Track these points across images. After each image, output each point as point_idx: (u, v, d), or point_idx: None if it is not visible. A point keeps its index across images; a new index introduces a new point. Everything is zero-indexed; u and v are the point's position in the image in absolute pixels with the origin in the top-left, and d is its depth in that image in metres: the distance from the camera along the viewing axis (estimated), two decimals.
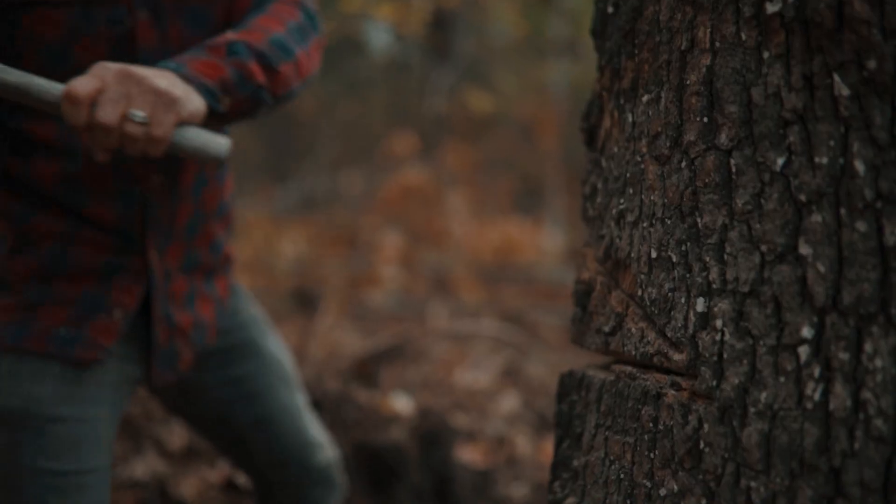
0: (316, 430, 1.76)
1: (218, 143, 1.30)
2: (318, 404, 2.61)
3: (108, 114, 1.20)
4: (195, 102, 1.27)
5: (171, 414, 1.77)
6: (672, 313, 1.06)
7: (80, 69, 1.31)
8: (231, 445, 1.73)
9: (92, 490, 1.42)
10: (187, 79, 1.29)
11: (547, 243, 7.47)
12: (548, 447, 3.08)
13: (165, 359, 1.54)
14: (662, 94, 1.10)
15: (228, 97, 1.36)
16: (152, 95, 1.22)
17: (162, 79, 1.24)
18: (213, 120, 1.36)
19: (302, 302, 4.78)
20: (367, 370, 3.40)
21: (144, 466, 2.35)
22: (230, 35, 1.39)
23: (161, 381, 1.55)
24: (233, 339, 1.68)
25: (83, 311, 1.44)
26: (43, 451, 1.38)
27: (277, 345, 1.76)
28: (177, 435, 2.47)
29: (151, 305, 1.50)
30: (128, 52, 1.38)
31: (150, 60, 1.40)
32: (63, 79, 1.29)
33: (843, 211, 0.93)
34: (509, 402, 3.56)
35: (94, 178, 1.42)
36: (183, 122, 1.26)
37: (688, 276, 1.05)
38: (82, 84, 1.20)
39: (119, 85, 1.21)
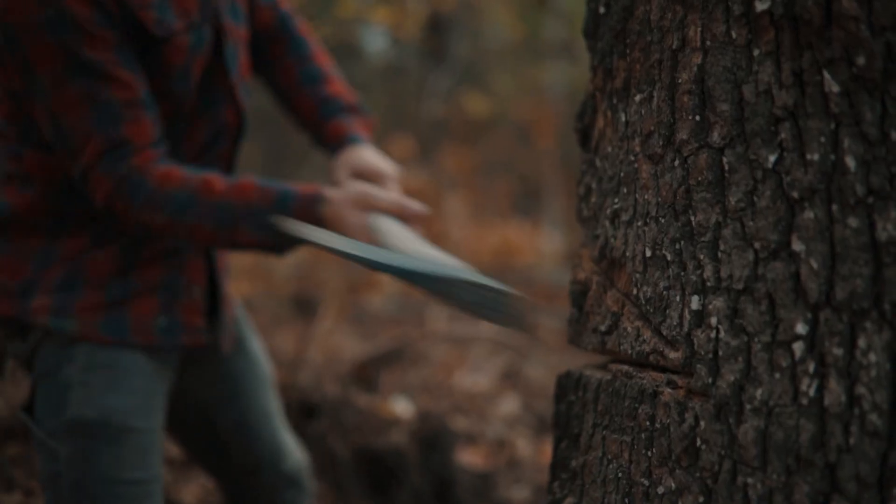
0: (287, 435, 1.76)
1: None
2: (317, 408, 2.61)
3: None
4: None
5: None
6: (667, 311, 1.06)
7: (193, 85, 1.45)
8: (207, 448, 1.72)
9: (155, 497, 1.46)
10: None
11: (546, 245, 7.47)
12: (548, 449, 3.06)
13: (225, 329, 1.60)
14: (655, 94, 1.11)
15: None
16: None
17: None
18: None
19: (301, 306, 4.78)
20: (366, 374, 3.39)
21: None
22: (342, 89, 1.68)
23: (228, 348, 1.62)
24: None
25: (169, 296, 1.49)
26: (119, 461, 1.42)
27: (259, 346, 1.77)
28: (175, 443, 2.46)
29: (215, 279, 1.57)
30: (218, 55, 1.49)
31: (230, 58, 1.50)
32: (182, 95, 1.43)
33: (834, 207, 0.93)
34: (509, 405, 3.56)
35: (189, 159, 1.49)
36: None
37: (682, 274, 1.05)
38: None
39: None
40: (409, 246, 1.30)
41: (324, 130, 1.64)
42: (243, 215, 1.36)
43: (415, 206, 1.40)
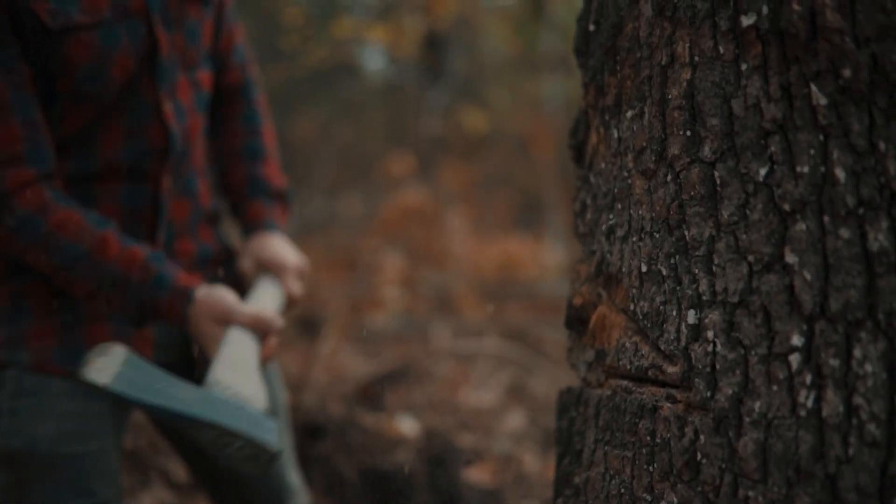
0: (294, 475, 1.73)
1: None
2: (323, 429, 2.61)
3: None
4: None
5: (160, 431, 1.73)
6: (664, 326, 1.07)
7: (113, 87, 1.39)
8: (209, 480, 1.70)
9: None
10: None
11: (548, 258, 7.48)
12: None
13: None
14: (646, 109, 1.12)
15: None
16: None
17: None
18: None
19: (304, 327, 4.78)
20: (371, 393, 3.39)
21: (152, 498, 2.35)
22: (275, 172, 1.76)
23: None
24: None
25: (122, 325, 1.44)
26: (54, 490, 1.38)
27: (279, 379, 1.74)
28: (183, 466, 2.46)
29: None
30: (152, 63, 1.44)
31: (169, 70, 1.45)
32: (99, 97, 1.38)
33: (826, 218, 0.94)
34: (515, 420, 3.55)
35: (108, 179, 1.44)
36: None
37: (678, 288, 1.05)
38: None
39: None
40: (230, 372, 1.36)
41: (244, 207, 1.73)
42: (122, 284, 1.38)
43: (274, 321, 1.44)
